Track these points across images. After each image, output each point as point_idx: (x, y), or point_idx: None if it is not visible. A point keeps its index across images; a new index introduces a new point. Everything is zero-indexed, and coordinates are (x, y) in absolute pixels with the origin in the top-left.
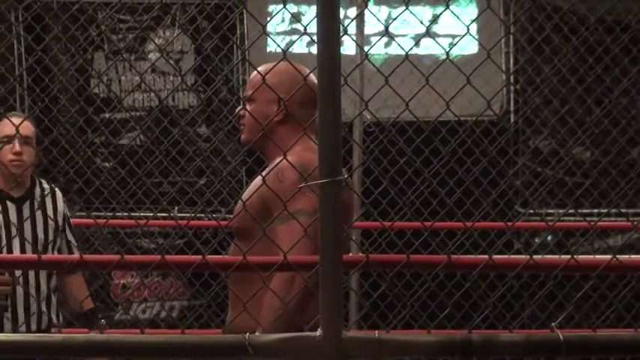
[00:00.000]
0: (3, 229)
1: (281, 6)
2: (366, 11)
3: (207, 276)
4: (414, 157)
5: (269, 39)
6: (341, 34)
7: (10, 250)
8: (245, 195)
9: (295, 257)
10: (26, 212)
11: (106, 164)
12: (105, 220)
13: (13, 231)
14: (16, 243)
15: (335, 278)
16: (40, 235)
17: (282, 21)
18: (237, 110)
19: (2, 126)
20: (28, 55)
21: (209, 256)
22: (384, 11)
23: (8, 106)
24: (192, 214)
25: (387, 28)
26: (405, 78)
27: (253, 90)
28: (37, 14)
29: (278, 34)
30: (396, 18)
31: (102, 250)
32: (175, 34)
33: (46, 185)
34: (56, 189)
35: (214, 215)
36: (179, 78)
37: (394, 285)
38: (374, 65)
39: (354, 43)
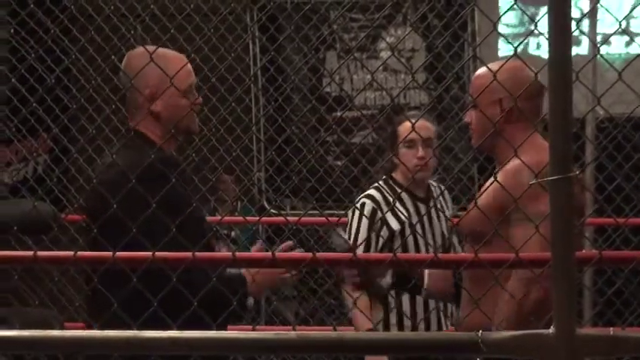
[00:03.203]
0: (407, 228)
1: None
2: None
3: None
4: None
5: (501, 38)
6: (572, 30)
7: (417, 249)
8: (480, 198)
9: (528, 255)
10: (431, 212)
11: (338, 163)
12: (337, 219)
13: (420, 230)
14: (421, 242)
15: (568, 275)
16: (445, 233)
17: (518, 24)
18: (461, 117)
19: (405, 129)
20: (263, 55)
21: (441, 254)
22: (623, 8)
23: (244, 106)
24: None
25: (620, 24)
26: None
27: (475, 95)
28: (271, 14)
29: (511, 35)
30: (626, 16)
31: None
32: (407, 32)
33: (434, 184)
34: (444, 189)
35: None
36: (410, 76)
37: (630, 282)
38: (606, 60)
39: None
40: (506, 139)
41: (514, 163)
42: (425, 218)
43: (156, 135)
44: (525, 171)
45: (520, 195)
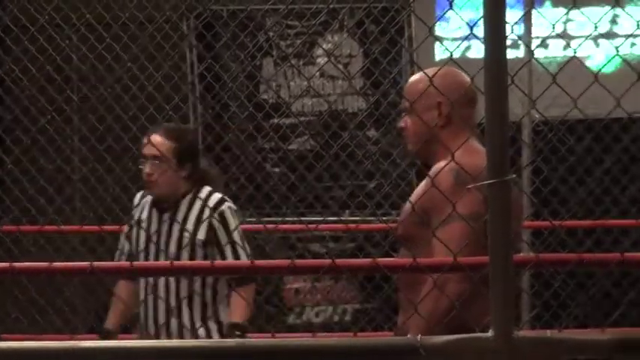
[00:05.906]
0: (140, 238)
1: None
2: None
3: (378, 279)
4: (584, 155)
5: (437, 43)
6: (507, 34)
7: (146, 259)
8: (407, 203)
9: (465, 259)
10: (165, 223)
11: (276, 169)
12: (275, 225)
13: (154, 239)
14: (152, 252)
15: (505, 278)
16: (172, 247)
17: (460, 28)
18: (398, 123)
19: (142, 146)
20: (200, 63)
21: (380, 259)
22: (561, 12)
23: (182, 114)
24: (363, 218)
25: (553, 27)
26: (576, 76)
27: (410, 101)
28: (208, 22)
29: (450, 39)
30: (566, 19)
31: (273, 255)
32: (343, 38)
33: (204, 195)
34: (212, 198)
35: (385, 218)
36: (347, 82)
37: (566, 284)
38: (540, 64)
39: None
40: (441, 144)
41: (436, 166)
42: (161, 227)
43: None
44: (442, 175)
45: (437, 198)
